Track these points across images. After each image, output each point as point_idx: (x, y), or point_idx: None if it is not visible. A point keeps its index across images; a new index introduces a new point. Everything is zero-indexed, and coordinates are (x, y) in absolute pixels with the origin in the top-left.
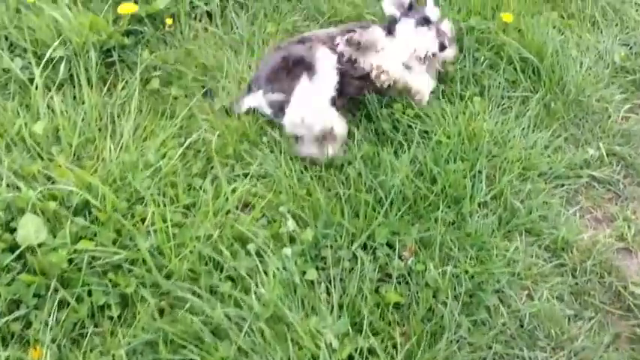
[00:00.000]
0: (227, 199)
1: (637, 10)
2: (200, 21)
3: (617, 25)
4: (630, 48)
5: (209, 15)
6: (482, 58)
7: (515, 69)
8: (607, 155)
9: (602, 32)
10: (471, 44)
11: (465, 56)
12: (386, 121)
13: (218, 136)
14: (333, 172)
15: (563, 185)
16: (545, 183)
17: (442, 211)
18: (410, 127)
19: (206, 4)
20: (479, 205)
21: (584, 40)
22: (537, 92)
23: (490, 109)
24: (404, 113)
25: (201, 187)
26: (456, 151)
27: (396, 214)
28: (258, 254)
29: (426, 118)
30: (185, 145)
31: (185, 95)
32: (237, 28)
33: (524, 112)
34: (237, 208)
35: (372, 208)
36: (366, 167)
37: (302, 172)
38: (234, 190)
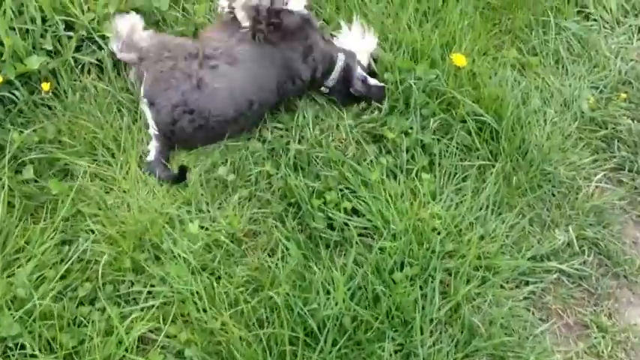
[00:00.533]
0: (120, 341)
1: (607, 43)
2: (89, 74)
3: (585, 62)
4: (600, 92)
5: (99, 66)
6: (432, 117)
7: (470, 132)
8: (577, 240)
9: (567, 72)
10: (418, 99)
11: (412, 116)
12: (318, 220)
13: (110, 243)
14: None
15: (528, 283)
16: (508, 283)
17: (388, 339)
18: (347, 224)
19: (93, 52)
20: (431, 323)
21: (548, 83)
22: (496, 159)
23: (441, 185)
24: (337, 207)
25: (88, 321)
26: (403, 255)
27: (331, 350)
28: None
29: (366, 213)
30: (68, 262)
31: (69, 187)
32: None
33: (482, 188)
34: (133, 349)
35: (303, 345)
36: (294, 289)
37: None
38: (128, 329)
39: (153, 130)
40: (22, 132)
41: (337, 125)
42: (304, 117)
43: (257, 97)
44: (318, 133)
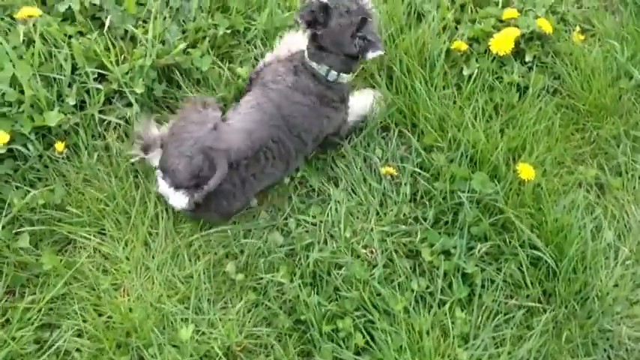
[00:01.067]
0: None
1: None
2: (114, 131)
3: None
4: None
5: (125, 123)
6: (481, 240)
7: (521, 267)
8: None
9: None
10: (468, 216)
11: (457, 235)
12: (325, 354)
13: (93, 339)
14: None
15: None
16: None
17: None
18: None
19: (120, 108)
20: None
21: (628, 212)
22: (548, 302)
23: (478, 326)
24: (348, 340)
25: None
26: None
27: None
28: None
29: (380, 352)
30: (43, 354)
31: (60, 260)
32: None
33: (526, 337)
34: None
35: None
36: None
37: None
38: None
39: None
40: (28, 192)
41: (372, 229)
42: (337, 211)
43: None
44: (348, 235)
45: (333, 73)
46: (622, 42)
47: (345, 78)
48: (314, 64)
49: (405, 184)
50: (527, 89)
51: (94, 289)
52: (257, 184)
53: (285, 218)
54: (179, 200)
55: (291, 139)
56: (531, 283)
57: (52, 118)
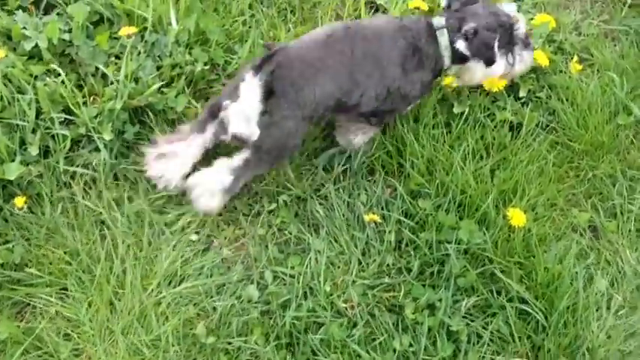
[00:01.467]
0: None
1: None
2: (80, 179)
3: None
4: None
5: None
6: (468, 292)
7: (508, 320)
8: None
9: None
10: (455, 267)
11: (443, 288)
12: None
13: None
14: None
15: None
16: None
17: None
18: None
19: (87, 155)
20: None
21: (622, 258)
22: (537, 358)
23: None
24: None
25: None
26: None
27: None
28: None
29: None
30: None
31: (18, 326)
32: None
33: None
34: None
35: None
36: None
37: None
38: None
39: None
40: None
41: (354, 282)
42: (317, 261)
43: None
44: (328, 289)
45: None
46: (621, 75)
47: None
48: None
49: (390, 232)
50: (521, 127)
51: (52, 357)
52: None
53: (262, 272)
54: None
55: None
56: (519, 338)
57: (12, 171)
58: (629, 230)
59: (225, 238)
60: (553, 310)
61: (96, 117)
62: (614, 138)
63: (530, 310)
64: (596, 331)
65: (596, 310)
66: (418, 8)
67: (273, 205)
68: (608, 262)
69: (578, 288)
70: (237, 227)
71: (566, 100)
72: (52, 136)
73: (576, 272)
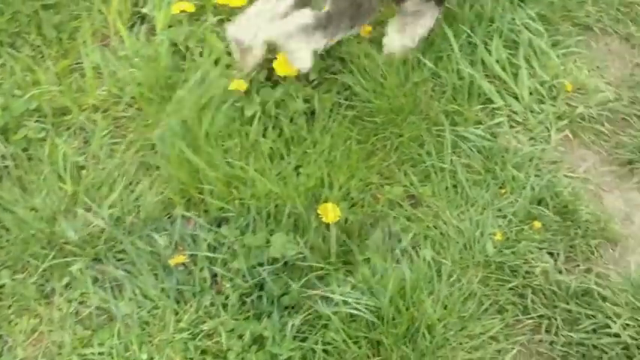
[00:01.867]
0: None
1: (517, 149)
2: None
3: (488, 184)
4: (509, 222)
5: None
6: (293, 307)
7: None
8: None
9: (467, 201)
10: (274, 289)
11: (266, 311)
12: None
13: None
14: None
15: None
16: None
17: None
18: None
19: None
20: None
21: (444, 220)
22: (379, 354)
23: None
24: None
25: None
26: None
27: None
28: None
29: None
30: None
31: None
32: None
33: None
34: None
35: None
36: None
37: None
38: None
39: None
40: None
41: (172, 339)
42: (127, 328)
43: None
44: (145, 357)
45: None
46: None
47: None
48: None
49: (201, 270)
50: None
51: None
52: None
53: (69, 357)
54: None
55: None
56: (355, 343)
57: None
58: (446, 188)
59: (20, 332)
60: (382, 304)
61: None
62: (413, 98)
63: (356, 312)
64: (431, 307)
65: (429, 282)
66: None
67: (66, 279)
68: (429, 228)
69: (403, 272)
70: (31, 316)
71: (358, 71)
72: None
73: (400, 252)
